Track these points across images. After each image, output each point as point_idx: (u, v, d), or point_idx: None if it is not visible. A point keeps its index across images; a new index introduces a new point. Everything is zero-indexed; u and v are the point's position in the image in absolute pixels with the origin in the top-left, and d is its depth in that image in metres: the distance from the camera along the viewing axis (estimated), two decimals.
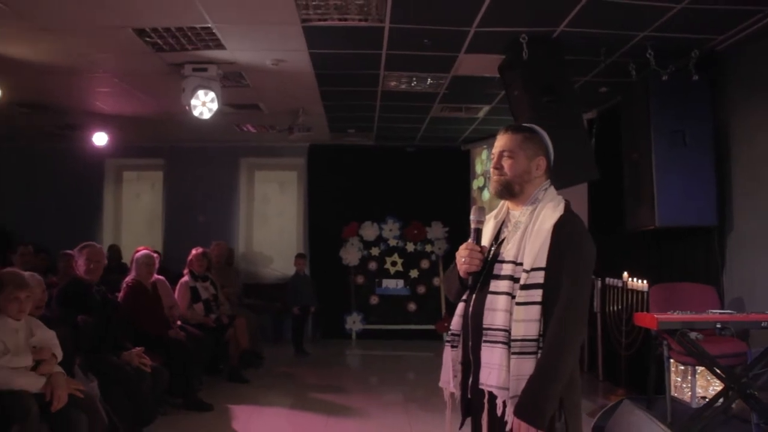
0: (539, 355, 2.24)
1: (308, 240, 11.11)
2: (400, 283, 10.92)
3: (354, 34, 5.55)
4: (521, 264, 2.32)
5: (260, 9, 5.06)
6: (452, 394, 2.52)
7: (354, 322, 10.85)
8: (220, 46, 5.86)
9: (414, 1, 4.85)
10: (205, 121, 6.71)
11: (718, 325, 4.33)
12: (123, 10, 5.09)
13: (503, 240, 2.47)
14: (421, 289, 10.80)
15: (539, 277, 2.28)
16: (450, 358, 2.51)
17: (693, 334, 4.29)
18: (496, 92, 7.17)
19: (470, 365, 2.41)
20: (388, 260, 10.95)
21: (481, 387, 2.33)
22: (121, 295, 6.01)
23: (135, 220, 11.78)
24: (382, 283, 10.96)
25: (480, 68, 6.38)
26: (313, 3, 4.89)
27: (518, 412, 2.21)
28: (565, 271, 2.27)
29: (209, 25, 5.36)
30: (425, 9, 5.00)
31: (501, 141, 2.53)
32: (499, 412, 2.28)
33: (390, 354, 9.73)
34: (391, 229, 10.96)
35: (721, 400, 4.62)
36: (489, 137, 9.37)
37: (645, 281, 5.99)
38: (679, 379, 5.73)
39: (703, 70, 5.60)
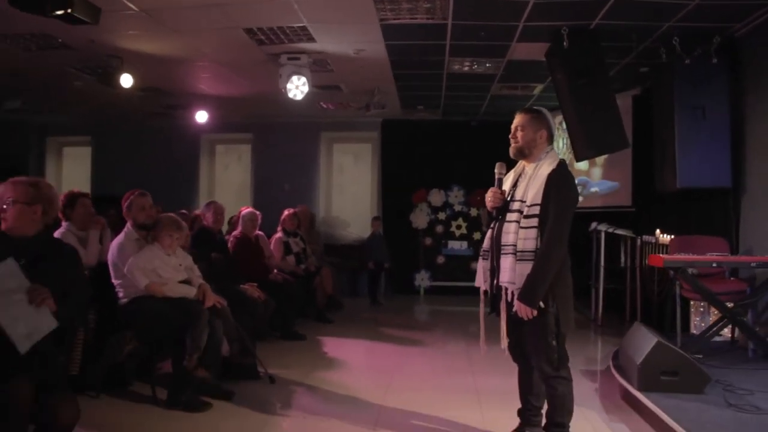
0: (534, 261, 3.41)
1: (381, 205, 12.36)
2: (464, 244, 12.07)
3: (422, 29, 6.68)
4: (525, 201, 3.49)
5: (346, 11, 6.25)
6: (485, 291, 3.73)
7: (422, 280, 12.07)
8: (311, 39, 7.08)
9: (471, 3, 5.95)
10: (293, 100, 7.95)
11: (714, 264, 5.36)
12: (238, 15, 6.37)
13: (517, 185, 3.63)
14: None
15: (536, 210, 3.46)
16: (482, 267, 3.73)
17: (691, 270, 5.34)
18: (547, 74, 8.17)
19: (494, 271, 3.61)
20: (454, 224, 12.12)
21: (500, 284, 3.54)
22: (231, 246, 7.35)
23: (226, 188, 13.24)
24: (447, 244, 12.15)
25: (531, 54, 7.41)
26: (389, 6, 6.06)
27: (519, 297, 3.43)
28: (552, 206, 3.42)
29: (304, 24, 6.59)
30: (481, 9, 6.10)
31: (516, 119, 3.71)
32: (509, 299, 3.51)
33: (455, 309, 10.64)
34: (456, 196, 12.13)
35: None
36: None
37: (672, 236, 6.98)
38: (698, 319, 6.75)
39: (722, 54, 6.51)
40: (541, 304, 3.43)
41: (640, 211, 8.75)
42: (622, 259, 8.56)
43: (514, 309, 3.47)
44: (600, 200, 9.63)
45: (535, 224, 3.44)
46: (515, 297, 3.46)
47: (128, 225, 4.97)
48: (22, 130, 13.06)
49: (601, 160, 9.43)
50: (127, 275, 4.71)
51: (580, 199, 9.73)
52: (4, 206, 3.12)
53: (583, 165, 9.74)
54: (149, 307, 4.66)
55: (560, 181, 3.48)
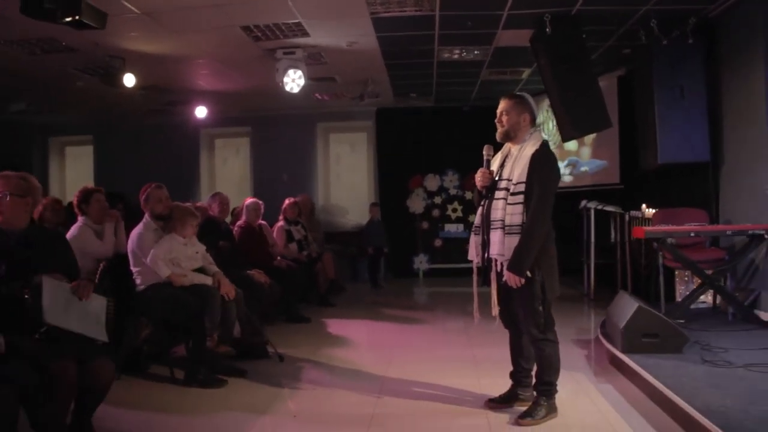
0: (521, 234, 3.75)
1: (378, 192, 12.70)
2: (461, 227, 12.44)
3: (411, 21, 7.00)
4: (511, 180, 3.81)
5: (338, 6, 6.57)
6: (477, 265, 4.07)
7: (421, 263, 12.44)
8: (306, 34, 7.40)
9: None
10: (289, 93, 8.25)
11: (692, 234, 5.71)
12: (234, 13, 6.68)
13: (504, 166, 3.96)
14: None
15: (521, 188, 3.79)
16: (474, 241, 4.07)
17: (670, 240, 5.68)
18: (533, 59, 8.47)
19: (485, 245, 3.94)
20: (449, 207, 12.50)
21: (490, 256, 3.88)
22: (236, 234, 7.67)
23: (227, 181, 13.55)
24: (444, 227, 12.53)
25: (516, 40, 7.72)
26: (379, 0, 6.36)
27: (509, 267, 3.78)
28: (536, 183, 3.75)
29: (299, 20, 6.90)
30: (466, 0, 6.40)
31: (501, 105, 4.03)
32: (498, 269, 3.87)
33: (453, 290, 10.86)
34: (451, 180, 12.49)
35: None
36: (534, 95, 10.61)
37: (656, 210, 7.32)
38: (682, 288, 7.10)
39: (698, 34, 6.84)
40: (528, 273, 3.77)
41: (628, 188, 9.10)
42: (612, 235, 8.90)
43: (504, 279, 3.81)
44: (590, 179, 9.96)
45: (521, 200, 3.78)
46: (505, 267, 3.80)
47: (146, 216, 5.30)
48: (25, 131, 13.37)
49: (589, 139, 9.76)
50: (150, 266, 5.04)
51: (571, 178, 10.19)
52: None
53: (572, 145, 10.06)
54: (166, 293, 5.00)
55: (543, 160, 3.81)
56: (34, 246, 3.47)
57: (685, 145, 6.74)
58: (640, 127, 7.38)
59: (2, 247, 3.33)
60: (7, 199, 3.41)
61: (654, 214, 6.95)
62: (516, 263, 3.74)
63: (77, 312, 3.38)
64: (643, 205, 7.76)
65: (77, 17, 5.59)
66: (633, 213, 8.06)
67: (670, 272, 7.02)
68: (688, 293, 6.66)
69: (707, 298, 6.89)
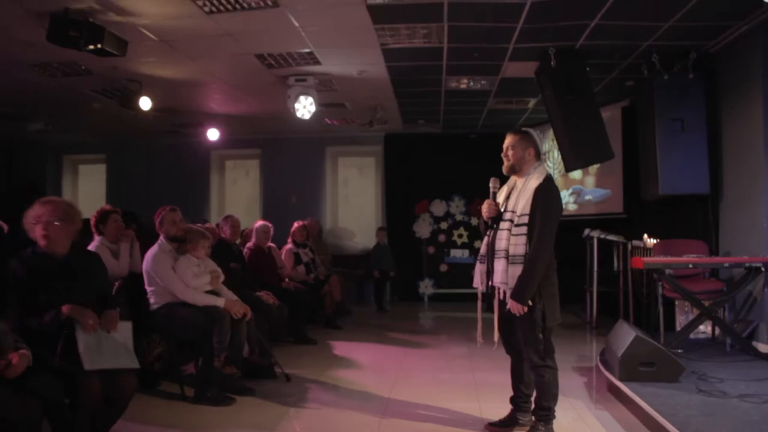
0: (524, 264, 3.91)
1: (385, 216, 12.87)
2: (466, 252, 12.59)
3: (420, 52, 7.21)
4: (515, 211, 3.99)
5: (349, 37, 6.79)
6: (481, 292, 4.23)
7: (426, 287, 12.58)
8: (317, 63, 7.62)
9: (465, 28, 6.46)
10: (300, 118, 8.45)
11: (690, 266, 5.85)
12: (249, 43, 6.91)
13: (509, 198, 4.14)
14: None
15: (525, 219, 3.96)
16: (479, 270, 4.24)
17: (668, 271, 5.83)
18: (539, 90, 8.67)
19: (489, 273, 4.11)
20: (455, 233, 12.65)
21: (493, 284, 4.04)
22: (246, 256, 7.84)
23: (236, 202, 13.75)
24: (450, 252, 12.68)
25: (522, 72, 7.92)
26: (389, 32, 6.58)
27: (512, 295, 3.93)
28: (539, 216, 3.92)
29: (311, 50, 7.12)
30: (473, 33, 6.62)
31: (507, 140, 4.22)
32: (501, 297, 4.02)
33: (457, 315, 10.94)
34: (457, 206, 12.67)
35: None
36: (540, 124, 10.84)
37: (657, 240, 7.46)
38: (682, 318, 7.22)
39: (698, 69, 7.03)
40: (530, 301, 3.93)
41: (631, 217, 9.24)
42: (615, 264, 9.03)
43: (507, 306, 3.97)
44: (593, 207, 10.12)
45: (525, 232, 3.95)
46: (508, 295, 3.96)
47: (161, 238, 5.48)
48: (40, 149, 13.64)
49: (593, 168, 9.92)
50: (167, 287, 5.23)
51: (575, 206, 10.35)
52: (45, 225, 3.60)
53: (576, 174, 10.23)
54: (179, 312, 5.18)
55: (546, 193, 3.99)
56: (75, 273, 3.66)
57: (685, 177, 6.90)
58: (642, 158, 7.55)
59: (44, 273, 3.52)
60: (56, 224, 3.61)
61: (654, 244, 7.10)
62: (519, 292, 3.90)
63: (109, 347, 3.58)
64: (645, 235, 7.90)
65: (99, 45, 5.83)
66: (635, 242, 8.19)
67: (670, 302, 7.15)
68: (687, 323, 6.78)
69: (706, 328, 7.02)
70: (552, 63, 6.94)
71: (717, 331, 6.80)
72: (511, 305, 3.93)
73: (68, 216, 3.68)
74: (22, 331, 3.34)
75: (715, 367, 5.50)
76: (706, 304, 6.17)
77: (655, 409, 4.27)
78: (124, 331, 3.80)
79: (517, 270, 3.93)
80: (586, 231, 9.03)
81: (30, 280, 3.52)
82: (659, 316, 6.35)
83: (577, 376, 6.04)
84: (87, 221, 6.07)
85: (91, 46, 5.83)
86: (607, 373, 5.46)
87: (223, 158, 14.02)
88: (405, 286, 12.45)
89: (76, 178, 14.73)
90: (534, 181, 4.05)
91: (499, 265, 4.02)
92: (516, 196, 4.10)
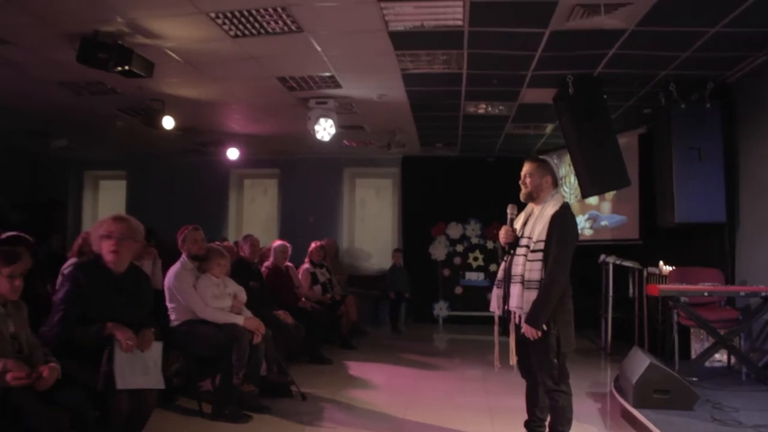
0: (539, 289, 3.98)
1: (402, 238, 12.94)
2: (481, 276, 12.62)
3: (440, 78, 7.32)
4: (532, 238, 4.05)
5: (370, 62, 6.91)
6: (498, 316, 4.29)
7: (441, 309, 12.60)
8: (338, 86, 7.74)
9: (484, 55, 6.57)
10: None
11: (706, 294, 5.87)
12: (272, 66, 7.05)
13: (526, 224, 4.21)
14: None
15: (541, 246, 4.02)
16: (495, 294, 4.31)
17: (683, 299, 5.86)
18: (556, 116, 8.75)
19: (506, 298, 4.17)
20: (471, 256, 12.69)
21: (509, 309, 4.10)
22: (264, 275, 7.93)
23: (254, 220, 13.88)
24: (465, 275, 12.71)
25: (540, 98, 8.00)
26: (410, 58, 6.70)
27: (526, 320, 3.99)
28: (554, 242, 3.99)
29: (332, 74, 7.25)
30: (493, 60, 6.72)
31: (525, 168, 4.29)
32: (516, 321, 4.09)
33: (472, 337, 11.07)
34: (473, 229, 12.72)
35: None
36: (557, 149, 10.92)
37: (673, 267, 7.48)
38: (698, 346, 7.22)
39: (716, 98, 7.09)
40: (545, 326, 3.98)
41: (647, 244, 9.24)
42: (630, 290, 9.03)
43: (522, 330, 4.03)
44: (609, 233, 10.14)
45: (540, 258, 4.02)
46: (522, 320, 4.02)
47: (183, 256, 5.59)
48: (62, 165, 13.86)
49: (610, 194, 9.95)
50: (187, 305, 5.34)
51: (591, 232, 10.37)
52: (116, 241, 3.74)
53: (593, 199, 10.27)
54: (199, 329, 5.27)
55: (562, 220, 4.06)
56: (128, 290, 3.84)
57: (702, 206, 6.93)
58: (658, 186, 7.59)
59: (102, 287, 3.69)
60: (127, 242, 3.76)
61: (670, 272, 7.11)
62: (533, 317, 3.96)
63: (141, 367, 3.71)
64: (661, 262, 7.90)
65: (128, 67, 5.99)
66: (651, 269, 8.21)
67: (686, 330, 7.15)
68: (702, 351, 6.78)
69: (722, 357, 7.01)
70: (570, 90, 7.02)
71: (733, 360, 6.79)
72: (526, 329, 3.99)
73: (138, 236, 3.83)
74: (62, 341, 3.45)
75: (731, 396, 5.50)
76: (722, 332, 6.18)
77: None
78: (156, 350, 3.91)
79: (532, 295, 3.99)
80: (602, 257, 9.06)
81: (88, 291, 3.65)
82: (674, 344, 6.36)
83: (591, 402, 6.06)
84: None
85: (120, 68, 5.99)
86: (621, 399, 5.48)
87: (242, 177, 14.17)
88: (420, 307, 12.48)
89: (96, 194, 14.94)
90: (551, 208, 4.12)
91: (515, 290, 4.09)
92: (533, 222, 4.17)
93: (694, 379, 5.90)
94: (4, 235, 6.10)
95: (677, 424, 4.61)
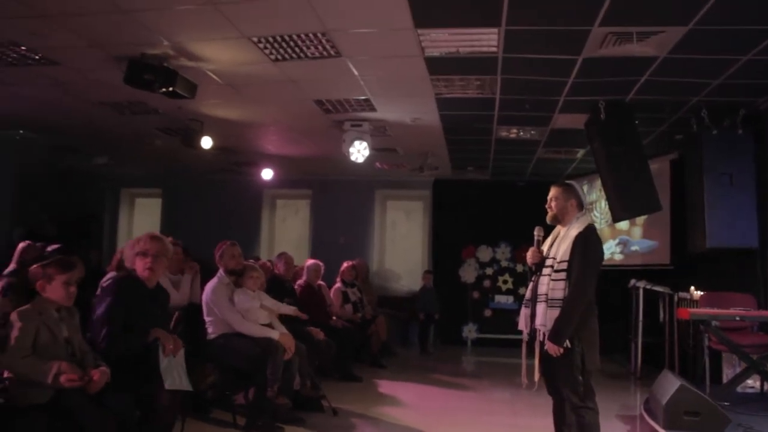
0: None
1: (432, 260, 13.03)
2: (510, 299, 12.64)
3: (473, 102, 7.47)
4: (556, 258, 4.18)
5: (406, 87, 7.08)
6: (526, 333, 4.39)
7: (470, 332, 12.64)
8: (373, 109, 7.92)
9: (517, 81, 6.71)
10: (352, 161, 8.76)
11: (737, 318, 5.89)
12: (310, 89, 7.26)
13: (552, 246, 4.33)
14: None
15: (564, 266, 4.15)
16: (523, 313, 4.43)
17: (714, 322, 5.88)
18: (588, 141, 8.83)
19: (533, 317, 4.28)
20: (500, 279, 12.75)
21: (535, 327, 4.21)
22: (297, 292, 8.08)
23: (285, 239, 14.07)
24: (495, 298, 12.75)
25: (572, 123, 8.10)
26: (444, 83, 6.86)
27: (548, 337, 4.11)
28: (576, 262, 4.11)
29: (368, 97, 7.44)
30: (526, 86, 6.85)
31: (551, 192, 4.46)
32: (541, 339, 4.20)
33: (500, 360, 11.00)
34: (503, 252, 12.79)
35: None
36: (588, 174, 10.98)
37: (704, 292, 7.49)
38: (729, 371, 7.20)
39: (748, 125, 7.13)
40: (568, 344, 4.08)
41: (678, 269, 9.23)
42: (661, 315, 9.02)
43: (545, 347, 4.13)
44: (640, 258, 10.14)
45: (563, 277, 4.14)
46: (546, 337, 4.13)
47: (220, 271, 5.77)
48: (98, 182, 14.20)
49: (640, 219, 9.98)
50: (224, 318, 5.51)
51: (621, 256, 10.38)
52: (153, 259, 3.95)
53: (624, 224, 10.28)
54: (234, 342, 5.42)
55: (585, 240, 4.17)
56: (160, 302, 4.08)
57: (733, 231, 6.95)
58: (689, 211, 7.63)
59: (140, 299, 3.92)
60: (162, 260, 3.99)
61: (701, 296, 7.13)
62: (555, 333, 4.08)
63: (176, 369, 3.90)
64: (692, 287, 7.92)
65: (172, 88, 6.22)
66: (681, 294, 8.21)
67: (717, 354, 7.15)
68: (733, 376, 6.76)
69: (755, 383, 6.98)
70: (602, 115, 7.11)
71: (766, 386, 6.76)
72: (549, 346, 4.11)
73: (169, 254, 4.06)
74: (110, 353, 3.64)
75: (763, 422, 5.48)
76: (754, 357, 6.18)
77: None
78: (181, 357, 4.10)
79: (555, 313, 4.11)
80: (632, 281, 9.07)
81: (128, 303, 3.87)
82: (705, 368, 6.36)
83: (620, 424, 6.08)
84: None
85: (164, 89, 6.23)
86: (651, 421, 5.51)
87: (275, 197, 14.40)
88: (449, 330, 12.51)
89: (132, 211, 15.27)
90: (575, 230, 4.24)
91: (540, 308, 4.22)
92: (558, 243, 4.31)
93: (726, 403, 5.88)
94: (50, 248, 6.37)
95: None
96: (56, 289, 3.36)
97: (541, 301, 4.22)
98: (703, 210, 7.06)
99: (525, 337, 4.44)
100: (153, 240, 4.06)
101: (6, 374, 3.26)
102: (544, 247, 4.44)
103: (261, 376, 5.27)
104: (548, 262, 4.28)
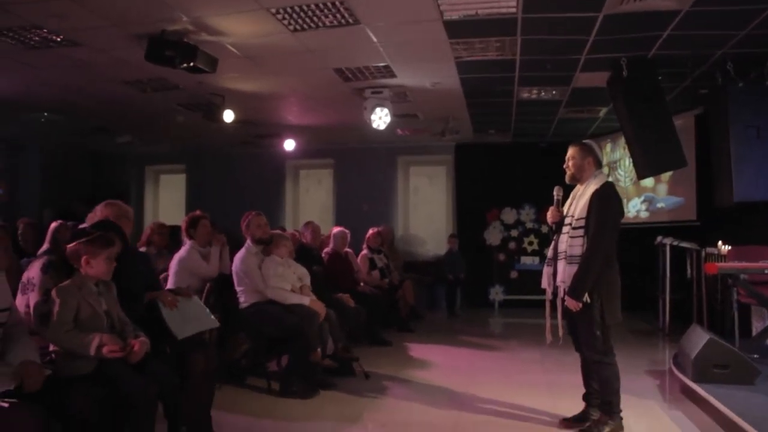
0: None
1: (456, 224, 13.07)
2: (536, 260, 12.63)
3: (493, 64, 7.42)
4: (574, 216, 4.24)
5: (425, 51, 7.04)
6: (549, 292, 4.46)
7: (496, 294, 12.71)
8: (393, 76, 7.91)
9: (537, 41, 6.65)
10: (373, 128, 8.77)
11: (766, 271, 5.88)
12: (330, 58, 7.26)
13: (571, 204, 4.39)
14: None
15: (582, 222, 4.23)
16: (546, 272, 4.54)
17: (743, 276, 5.88)
18: (610, 99, 8.75)
19: (555, 274, 4.36)
20: (526, 240, 12.77)
21: (556, 284, 4.31)
22: (325, 260, 8.18)
23: (309, 209, 14.17)
24: (520, 260, 12.80)
25: (594, 81, 8.01)
26: (463, 46, 6.82)
27: (567, 292, 4.21)
28: (593, 218, 4.18)
29: (388, 64, 7.43)
30: (546, 46, 6.79)
31: (569, 152, 4.54)
32: (562, 295, 4.30)
33: (528, 321, 10.91)
34: (527, 214, 12.78)
35: None
36: (611, 132, 10.90)
37: (732, 247, 7.45)
38: (759, 324, 7.20)
39: None
40: (588, 299, 4.15)
41: (704, 225, 9.17)
42: (688, 271, 9.00)
43: (566, 304, 4.21)
44: (666, 215, 10.09)
45: (581, 234, 4.23)
46: (566, 293, 4.19)
47: (248, 241, 5.87)
48: (123, 160, 14.41)
49: (666, 176, 9.90)
50: (255, 286, 5.63)
51: (647, 214, 10.34)
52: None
53: (649, 182, 10.22)
54: (267, 310, 5.53)
55: (601, 197, 4.24)
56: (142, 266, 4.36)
57: (760, 184, 6.89)
58: (715, 166, 7.56)
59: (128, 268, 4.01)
60: (123, 221, 4.14)
61: (729, 251, 7.10)
62: (573, 289, 4.18)
63: (193, 314, 4.10)
64: (719, 242, 7.87)
65: (193, 63, 6.27)
66: (709, 250, 8.18)
67: (746, 308, 7.14)
68: (763, 328, 6.77)
69: None
70: (624, 73, 7.04)
71: None
72: (568, 301, 4.22)
73: (130, 216, 4.46)
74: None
75: None
76: None
77: (731, 410, 4.37)
78: (196, 300, 4.55)
79: (574, 269, 4.21)
80: (659, 238, 9.05)
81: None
82: (734, 322, 6.38)
83: (650, 379, 6.13)
84: (178, 227, 6.55)
85: (185, 64, 6.27)
86: (680, 375, 5.55)
87: (298, 168, 14.47)
88: (475, 292, 12.58)
89: (157, 188, 15.46)
90: (592, 187, 4.31)
91: (561, 265, 4.34)
92: (576, 201, 4.37)
93: (755, 356, 5.90)
94: (80, 225, 6.50)
95: (738, 398, 4.67)
96: (99, 265, 3.46)
97: (561, 259, 4.32)
98: (730, 164, 7.00)
99: (548, 295, 4.52)
100: (107, 206, 4.32)
101: (52, 347, 3.38)
102: (565, 207, 4.49)
103: (298, 342, 5.38)
104: (567, 220, 4.37)
